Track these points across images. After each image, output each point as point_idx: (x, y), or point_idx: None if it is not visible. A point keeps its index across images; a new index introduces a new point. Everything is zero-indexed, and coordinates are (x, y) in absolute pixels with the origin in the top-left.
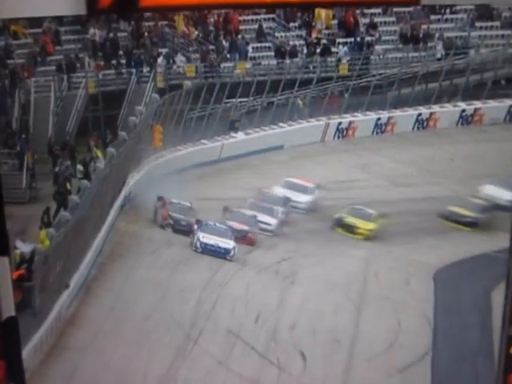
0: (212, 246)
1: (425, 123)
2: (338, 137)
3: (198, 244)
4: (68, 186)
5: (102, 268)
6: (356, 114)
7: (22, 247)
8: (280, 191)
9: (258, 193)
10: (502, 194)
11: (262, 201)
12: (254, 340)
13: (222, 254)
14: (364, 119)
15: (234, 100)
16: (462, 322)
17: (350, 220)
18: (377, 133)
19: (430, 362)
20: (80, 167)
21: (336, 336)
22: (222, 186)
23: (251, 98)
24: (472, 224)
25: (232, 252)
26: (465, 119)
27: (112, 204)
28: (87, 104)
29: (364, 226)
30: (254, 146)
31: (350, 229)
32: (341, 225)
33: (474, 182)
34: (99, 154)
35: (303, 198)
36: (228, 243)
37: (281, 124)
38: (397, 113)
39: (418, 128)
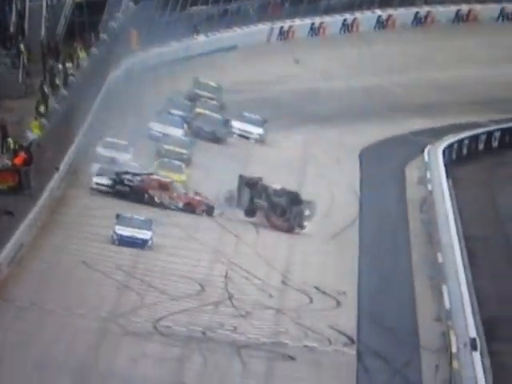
0: (129, 237)
1: (349, 27)
2: (281, 39)
3: (115, 236)
4: (57, 81)
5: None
6: (295, 19)
7: (30, 135)
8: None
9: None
10: None
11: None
12: None
13: (139, 244)
14: (301, 24)
15: (196, 7)
16: (382, 193)
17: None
18: (311, 35)
19: (358, 228)
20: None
21: None
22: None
23: (210, 6)
24: None
25: (150, 242)
26: (381, 24)
27: (96, 96)
28: (74, 11)
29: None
30: (212, 46)
31: None
32: None
33: (388, 74)
34: (83, 53)
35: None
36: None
37: (234, 28)
38: (327, 19)
39: (344, 31)
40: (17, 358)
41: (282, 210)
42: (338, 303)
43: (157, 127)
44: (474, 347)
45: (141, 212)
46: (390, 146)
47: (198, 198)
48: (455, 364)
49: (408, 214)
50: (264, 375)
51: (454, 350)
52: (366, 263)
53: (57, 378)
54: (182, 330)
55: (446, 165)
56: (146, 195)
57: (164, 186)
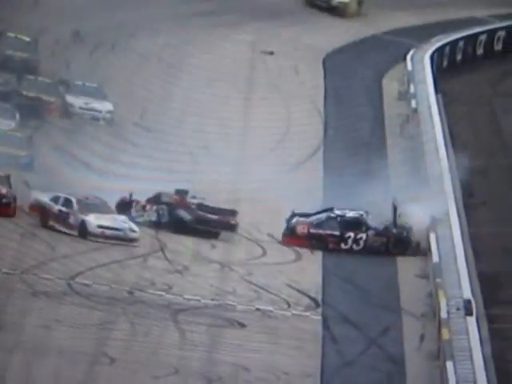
0: None
1: None
2: None
3: None
4: None
5: None
6: None
7: None
8: None
9: None
10: None
11: None
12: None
13: None
14: None
15: None
16: (353, 113)
17: None
18: None
19: (321, 157)
20: None
21: (227, 130)
22: None
23: None
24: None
25: None
26: None
27: None
28: None
29: None
30: None
31: None
32: None
33: None
34: None
35: None
36: None
37: None
38: None
39: None
40: None
41: None
42: (298, 256)
43: None
44: (468, 311)
45: None
46: (363, 50)
47: None
48: (445, 333)
49: (386, 138)
50: (207, 346)
51: (443, 315)
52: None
53: None
54: (103, 289)
55: (434, 75)
56: None
57: None
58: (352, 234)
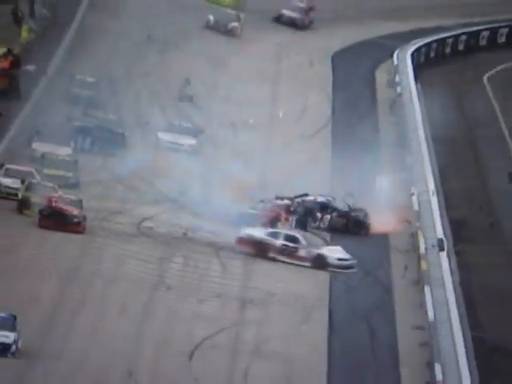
0: None
1: None
2: None
3: None
4: None
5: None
6: None
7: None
8: None
9: None
10: None
11: None
12: None
13: None
14: None
15: None
16: (354, 95)
17: None
18: None
19: (330, 128)
20: None
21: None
22: None
23: None
24: None
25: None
26: None
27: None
28: None
29: None
30: None
31: None
32: None
33: None
34: None
35: None
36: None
37: None
38: None
39: None
40: None
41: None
42: None
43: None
44: (441, 248)
45: None
46: (361, 50)
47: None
48: (423, 264)
49: (378, 115)
50: (242, 276)
51: (422, 251)
52: (338, 165)
53: (48, 278)
54: (163, 232)
55: (414, 68)
56: None
57: None
58: (319, 215)
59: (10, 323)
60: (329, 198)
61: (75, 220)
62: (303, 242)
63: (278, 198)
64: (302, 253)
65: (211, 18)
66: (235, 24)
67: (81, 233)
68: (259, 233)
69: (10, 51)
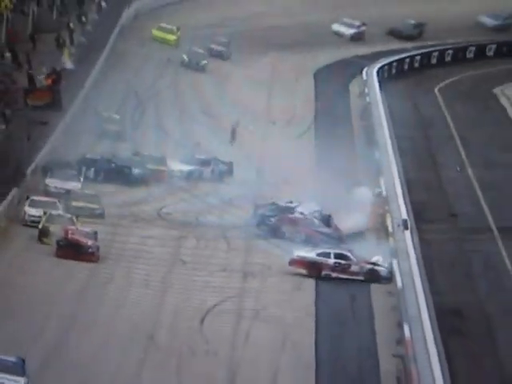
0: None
1: None
2: None
3: None
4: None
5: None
6: None
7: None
8: None
9: None
10: None
11: None
12: None
13: None
14: None
15: None
16: (332, 104)
17: None
18: None
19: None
20: None
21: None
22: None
23: None
24: None
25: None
26: None
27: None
28: None
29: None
30: None
31: None
32: None
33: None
34: None
35: None
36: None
37: None
38: None
39: None
40: None
41: None
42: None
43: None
44: (405, 227)
45: None
46: (338, 68)
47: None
48: (391, 240)
49: (352, 120)
50: (245, 253)
51: (390, 229)
52: (320, 158)
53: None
54: (179, 216)
55: (379, 81)
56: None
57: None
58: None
59: (20, 367)
60: (296, 204)
61: (89, 250)
62: (353, 258)
63: (288, 203)
64: (354, 268)
65: (185, 57)
66: (205, 62)
67: (94, 262)
68: (310, 254)
69: (54, 70)
